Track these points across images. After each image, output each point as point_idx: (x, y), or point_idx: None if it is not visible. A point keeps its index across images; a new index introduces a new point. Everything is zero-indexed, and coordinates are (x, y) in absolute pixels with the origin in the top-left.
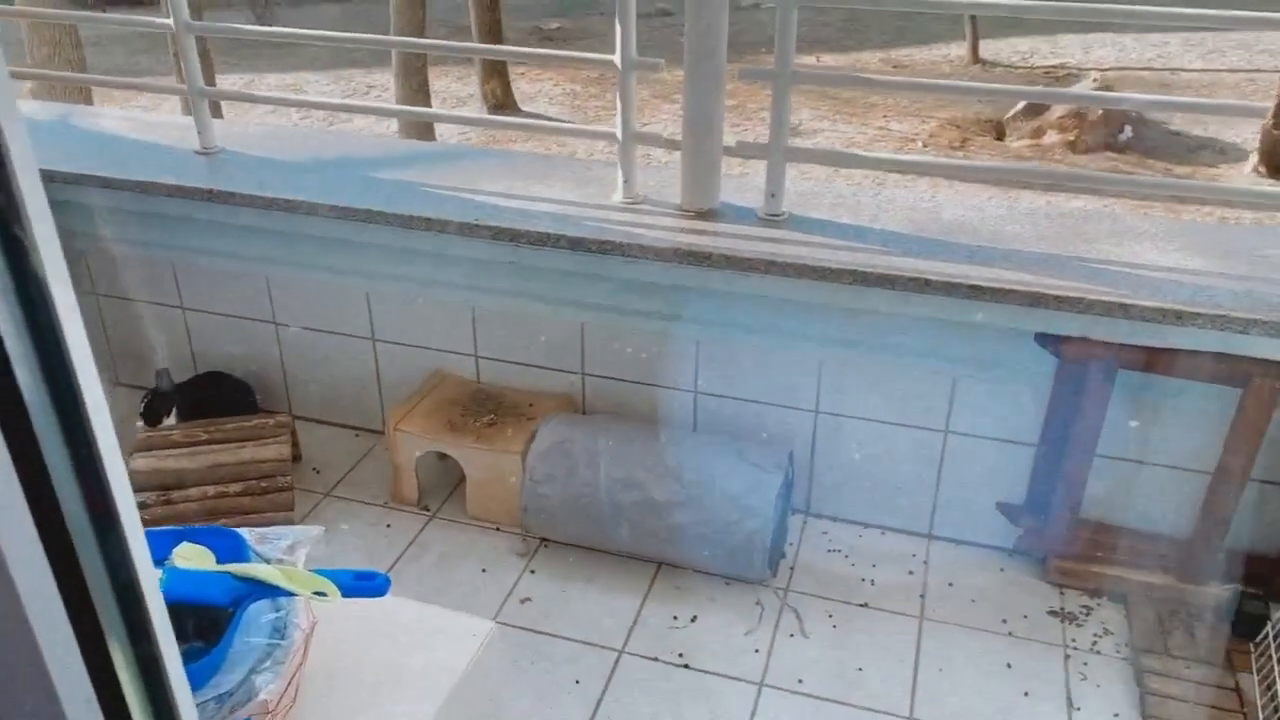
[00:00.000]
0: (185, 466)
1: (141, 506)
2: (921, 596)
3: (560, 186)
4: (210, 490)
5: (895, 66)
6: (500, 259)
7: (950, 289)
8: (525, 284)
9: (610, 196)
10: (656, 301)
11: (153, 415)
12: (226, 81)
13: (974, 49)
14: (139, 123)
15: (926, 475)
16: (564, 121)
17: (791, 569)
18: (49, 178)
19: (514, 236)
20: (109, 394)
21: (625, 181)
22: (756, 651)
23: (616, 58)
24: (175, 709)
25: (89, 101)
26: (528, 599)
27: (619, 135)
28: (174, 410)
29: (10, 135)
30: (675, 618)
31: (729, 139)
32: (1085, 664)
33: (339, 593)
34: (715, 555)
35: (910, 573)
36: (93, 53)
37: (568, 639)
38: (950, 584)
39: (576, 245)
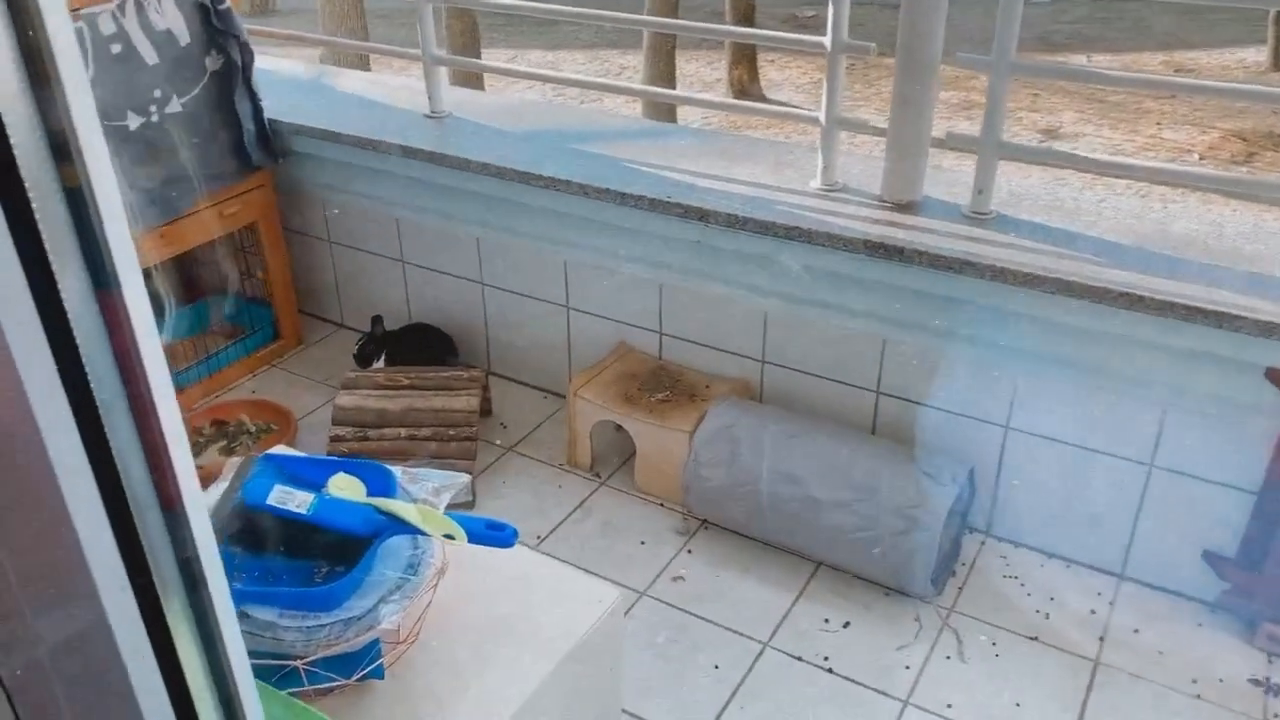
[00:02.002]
0: (384, 407)
1: (340, 440)
2: (1100, 639)
3: (758, 169)
4: (402, 432)
5: (1177, 70)
6: (687, 237)
7: (1165, 309)
8: (709, 264)
9: (808, 183)
10: (842, 294)
11: (364, 358)
12: (490, 55)
13: (1276, 54)
14: (383, 85)
15: (1124, 510)
16: (805, 109)
17: (960, 589)
18: (297, 131)
19: (703, 215)
20: (333, 334)
21: (824, 168)
22: (907, 668)
23: (827, 40)
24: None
25: (366, 68)
26: (680, 577)
27: (822, 120)
28: (383, 355)
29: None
30: (827, 620)
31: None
32: None
33: (466, 537)
34: (876, 563)
35: (1092, 611)
36: (378, 24)
37: (714, 623)
38: (1136, 630)
39: (764, 229)
